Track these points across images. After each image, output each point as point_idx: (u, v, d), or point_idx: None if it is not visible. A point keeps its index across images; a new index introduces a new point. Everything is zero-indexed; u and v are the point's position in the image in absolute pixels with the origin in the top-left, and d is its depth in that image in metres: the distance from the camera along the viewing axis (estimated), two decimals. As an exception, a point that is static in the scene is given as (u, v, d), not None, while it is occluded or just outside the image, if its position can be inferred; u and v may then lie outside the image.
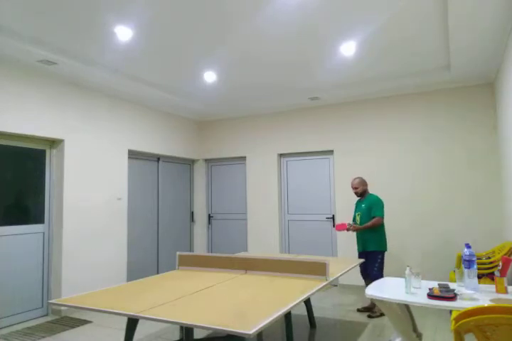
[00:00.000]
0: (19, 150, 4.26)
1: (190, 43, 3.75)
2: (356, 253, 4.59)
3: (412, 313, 3.29)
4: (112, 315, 2.32)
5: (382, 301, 2.64)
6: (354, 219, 4.47)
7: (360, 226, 4.21)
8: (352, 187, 4.43)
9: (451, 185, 5.02)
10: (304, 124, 6.05)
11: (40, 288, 4.36)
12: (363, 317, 4.11)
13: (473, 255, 2.65)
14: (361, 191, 4.37)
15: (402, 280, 2.95)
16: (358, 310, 4.33)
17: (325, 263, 3.05)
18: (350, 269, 3.60)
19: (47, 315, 4.37)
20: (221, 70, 4.52)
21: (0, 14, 3.09)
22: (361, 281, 4.62)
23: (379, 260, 4.18)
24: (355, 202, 4.57)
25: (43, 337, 3.67)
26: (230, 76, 4.74)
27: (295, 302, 2.37)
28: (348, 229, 4.23)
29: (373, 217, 4.19)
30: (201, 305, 2.36)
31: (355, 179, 4.43)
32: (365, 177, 5.46)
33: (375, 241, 4.21)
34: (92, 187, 4.83)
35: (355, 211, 4.47)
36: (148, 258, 5.85)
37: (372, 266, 4.19)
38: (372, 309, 4.25)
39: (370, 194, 4.40)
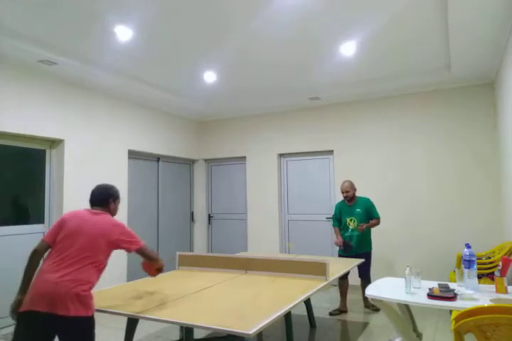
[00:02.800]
0: (19, 150, 4.26)
1: (190, 43, 3.75)
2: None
3: (412, 313, 3.29)
4: (112, 315, 2.33)
5: (382, 301, 2.64)
6: (344, 225, 4.36)
7: (369, 225, 4.26)
8: (343, 191, 4.32)
9: (451, 185, 5.02)
10: (304, 124, 6.04)
11: (40, 288, 4.36)
12: (362, 317, 4.11)
13: (473, 255, 2.65)
14: (352, 195, 4.31)
15: (402, 280, 2.95)
16: (331, 314, 4.20)
17: (325, 263, 3.05)
18: (350, 269, 3.60)
19: (47, 315, 4.37)
20: (221, 70, 4.52)
21: (0, 14, 3.09)
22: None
23: (370, 259, 4.37)
24: (338, 206, 4.46)
25: (43, 337, 3.66)
26: (230, 76, 4.73)
27: (295, 302, 2.37)
28: (360, 230, 4.21)
29: (371, 219, 4.31)
30: (201, 305, 2.36)
31: (344, 182, 4.34)
32: (365, 178, 5.47)
33: (370, 241, 4.43)
34: (92, 187, 4.81)
35: (345, 216, 4.35)
36: (148, 258, 5.84)
37: (368, 267, 4.30)
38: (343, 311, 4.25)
39: (360, 197, 4.40)
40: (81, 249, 2.09)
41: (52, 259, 2.08)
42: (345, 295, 4.31)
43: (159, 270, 2.41)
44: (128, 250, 2.25)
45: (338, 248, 4.44)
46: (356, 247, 4.28)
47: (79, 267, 2.05)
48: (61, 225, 2.20)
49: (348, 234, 4.32)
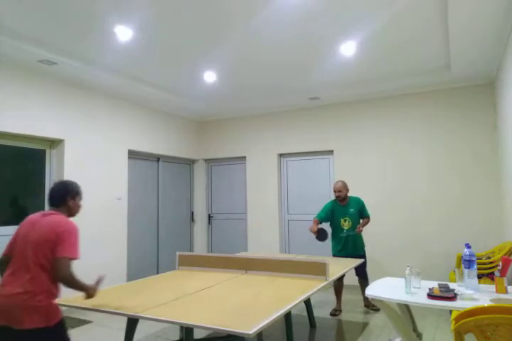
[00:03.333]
0: (19, 150, 4.26)
1: (190, 43, 3.75)
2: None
3: (412, 313, 3.29)
4: (112, 315, 2.32)
5: (382, 301, 2.64)
6: (337, 225, 4.30)
7: (364, 224, 4.31)
8: (335, 190, 4.28)
9: (451, 185, 5.02)
10: (304, 124, 6.04)
11: (40, 288, 4.36)
12: (362, 317, 4.11)
13: (473, 255, 2.65)
14: (344, 195, 4.28)
15: (402, 280, 2.95)
16: (332, 315, 4.17)
17: (325, 263, 3.05)
18: (350, 269, 3.60)
19: (47, 315, 4.36)
20: (221, 70, 4.52)
21: (0, 14, 3.09)
22: (361, 281, 4.62)
23: (366, 258, 4.38)
24: (330, 205, 4.36)
25: (43, 337, 3.66)
26: (230, 76, 4.73)
27: (295, 302, 2.36)
28: (358, 231, 4.23)
29: (362, 218, 4.36)
30: (201, 305, 2.35)
31: (337, 182, 4.31)
32: (365, 178, 5.48)
33: (363, 242, 4.45)
34: (92, 187, 4.83)
35: (339, 216, 4.29)
36: (148, 258, 5.85)
37: (364, 268, 4.33)
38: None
39: (351, 196, 4.39)
40: (29, 256, 1.96)
41: (8, 271, 2.00)
42: (340, 295, 4.32)
43: (86, 295, 2.07)
44: (55, 254, 1.94)
45: (333, 249, 4.42)
46: (352, 248, 4.29)
47: (30, 277, 1.93)
48: (16, 234, 2.09)
49: (343, 234, 4.29)
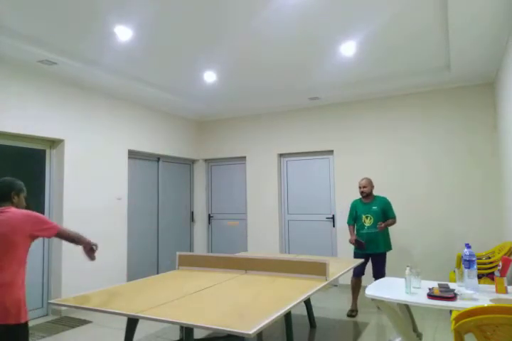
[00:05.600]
0: (19, 150, 4.26)
1: (190, 43, 3.75)
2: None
3: (412, 313, 3.29)
4: (112, 315, 2.32)
5: (382, 301, 2.64)
6: (359, 221, 4.33)
7: (387, 223, 4.24)
8: (360, 186, 4.33)
9: (452, 185, 5.02)
10: (304, 124, 6.04)
11: (40, 289, 4.36)
12: (362, 317, 4.10)
13: (473, 255, 2.65)
14: (369, 191, 4.31)
15: (402, 280, 2.96)
16: (349, 316, 4.15)
17: (325, 263, 3.05)
18: (350, 269, 3.60)
19: (47, 315, 4.37)
20: (221, 70, 4.52)
21: (0, 14, 3.09)
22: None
23: (385, 259, 4.32)
24: (354, 204, 4.49)
25: (43, 337, 3.67)
26: (230, 76, 4.73)
27: (295, 303, 2.37)
28: (379, 229, 4.17)
29: (388, 218, 4.31)
30: (201, 305, 2.36)
31: (363, 179, 4.37)
32: (365, 178, 5.48)
33: (387, 242, 4.35)
34: (92, 187, 4.83)
35: (361, 213, 4.32)
36: (148, 259, 5.85)
37: (383, 267, 4.28)
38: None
39: (378, 195, 4.41)
40: None
41: None
42: (357, 294, 4.26)
43: (92, 250, 2.39)
44: (47, 237, 2.20)
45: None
46: (372, 246, 4.24)
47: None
48: None
49: (364, 231, 4.27)
